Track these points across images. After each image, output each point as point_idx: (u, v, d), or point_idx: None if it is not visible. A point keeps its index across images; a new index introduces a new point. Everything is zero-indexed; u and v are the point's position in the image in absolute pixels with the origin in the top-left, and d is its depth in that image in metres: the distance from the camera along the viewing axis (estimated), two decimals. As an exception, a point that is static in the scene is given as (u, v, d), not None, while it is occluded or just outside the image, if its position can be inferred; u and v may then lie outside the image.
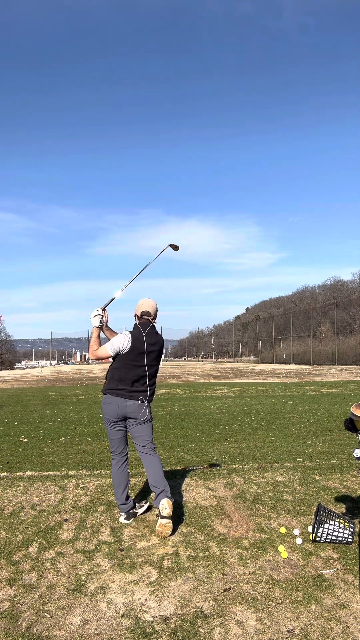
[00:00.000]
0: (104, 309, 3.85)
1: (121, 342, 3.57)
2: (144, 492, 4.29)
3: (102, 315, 3.81)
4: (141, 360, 3.58)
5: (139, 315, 3.71)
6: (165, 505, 3.38)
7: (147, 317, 3.70)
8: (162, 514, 3.39)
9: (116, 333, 3.82)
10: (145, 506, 3.85)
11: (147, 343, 3.59)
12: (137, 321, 3.73)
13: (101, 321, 3.78)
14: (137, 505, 3.83)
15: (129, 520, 3.66)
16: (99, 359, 3.72)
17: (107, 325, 3.88)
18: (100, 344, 3.69)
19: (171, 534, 3.40)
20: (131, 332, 3.62)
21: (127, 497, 3.69)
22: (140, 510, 3.78)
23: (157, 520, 3.43)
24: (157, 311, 3.76)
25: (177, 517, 3.73)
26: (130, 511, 3.69)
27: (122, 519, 3.66)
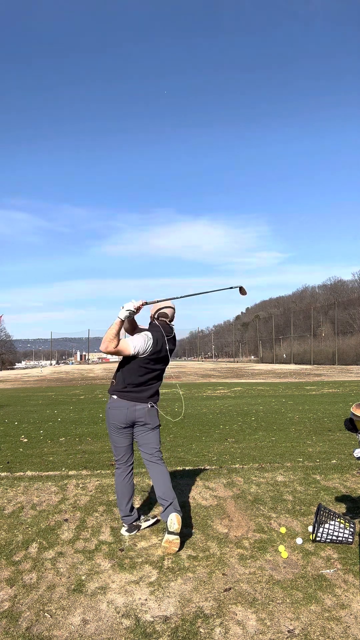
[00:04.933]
0: (144, 304, 3.37)
1: (143, 344, 3.30)
2: (150, 502, 4.28)
3: (135, 312, 3.32)
4: (158, 364, 3.42)
5: (155, 316, 3.49)
6: (174, 521, 3.15)
7: (164, 319, 3.48)
8: (169, 529, 3.16)
9: (138, 327, 3.55)
10: (152, 521, 3.62)
11: (169, 348, 3.42)
12: (155, 321, 3.49)
13: (130, 315, 3.29)
14: (142, 517, 3.62)
15: (131, 532, 3.45)
16: (114, 354, 3.36)
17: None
18: (119, 339, 3.28)
19: (178, 550, 3.17)
20: (153, 334, 3.37)
21: (132, 509, 3.49)
22: (144, 524, 3.56)
23: (164, 535, 3.21)
24: (174, 313, 3.55)
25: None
26: (134, 523, 3.49)
27: (123, 531, 3.47)
